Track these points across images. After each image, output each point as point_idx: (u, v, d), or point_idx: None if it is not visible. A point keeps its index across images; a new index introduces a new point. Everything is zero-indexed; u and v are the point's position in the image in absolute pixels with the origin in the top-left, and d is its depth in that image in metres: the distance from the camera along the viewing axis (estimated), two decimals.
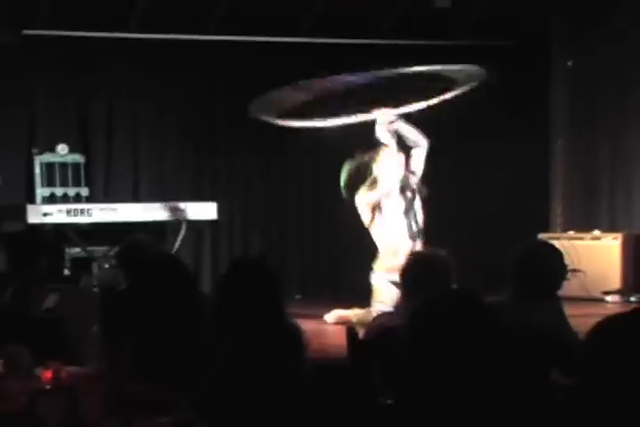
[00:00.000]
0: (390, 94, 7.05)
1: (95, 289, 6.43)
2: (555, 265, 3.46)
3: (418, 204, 7.16)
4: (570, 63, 9.09)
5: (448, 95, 7.05)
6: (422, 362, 2.00)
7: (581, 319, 3.76)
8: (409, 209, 7.10)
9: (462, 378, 1.96)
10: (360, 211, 6.99)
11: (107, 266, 7.54)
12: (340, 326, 6.05)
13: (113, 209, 7.72)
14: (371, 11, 8.59)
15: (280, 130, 8.82)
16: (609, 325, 1.79)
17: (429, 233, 8.91)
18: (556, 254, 3.51)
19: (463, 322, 1.99)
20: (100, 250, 7.80)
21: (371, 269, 6.97)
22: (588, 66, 8.99)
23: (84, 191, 8.50)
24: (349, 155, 7.12)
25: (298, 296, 8.52)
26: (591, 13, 8.84)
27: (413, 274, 3.48)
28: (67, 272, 7.29)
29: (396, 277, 3.69)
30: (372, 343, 3.27)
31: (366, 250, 7.16)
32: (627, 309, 1.91)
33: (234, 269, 3.11)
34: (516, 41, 9.06)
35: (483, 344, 1.98)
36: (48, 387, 2.75)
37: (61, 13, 8.19)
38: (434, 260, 3.56)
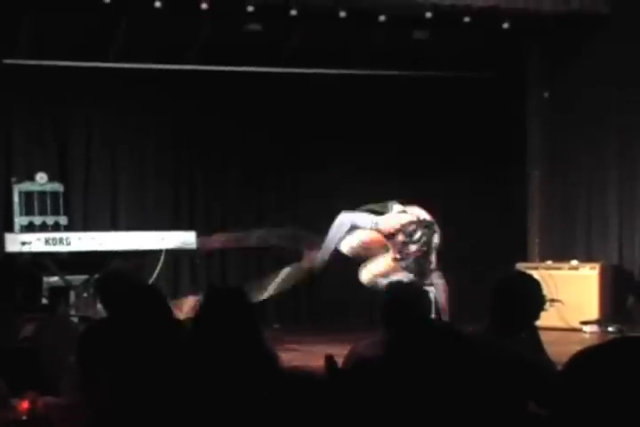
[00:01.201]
0: None
1: (72, 318, 6.39)
2: (533, 296, 3.48)
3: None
4: (546, 94, 9.17)
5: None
6: (399, 393, 2.00)
7: (559, 349, 3.78)
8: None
9: (440, 409, 1.97)
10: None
11: (85, 295, 7.51)
12: (319, 354, 6.03)
13: (91, 238, 7.70)
14: (350, 41, 8.65)
15: (259, 162, 8.87)
16: (586, 356, 1.80)
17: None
18: (535, 285, 3.52)
19: (440, 353, 2.00)
20: (78, 279, 7.77)
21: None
22: (563, 97, 9.07)
23: (63, 220, 8.47)
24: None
25: (276, 325, 8.50)
26: (567, 46, 8.93)
27: (392, 304, 3.49)
28: (44, 301, 7.26)
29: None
30: (351, 373, 3.27)
31: (344, 279, 7.18)
32: (605, 339, 1.93)
33: (210, 298, 3.13)
34: (493, 72, 9.14)
35: (460, 375, 1.98)
36: (24, 417, 2.73)
37: (41, 43, 8.21)
38: (412, 291, 3.57)
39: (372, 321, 6.92)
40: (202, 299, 3.24)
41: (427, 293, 3.59)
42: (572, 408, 1.74)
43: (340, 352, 3.56)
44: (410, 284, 3.73)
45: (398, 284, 3.67)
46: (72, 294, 7.78)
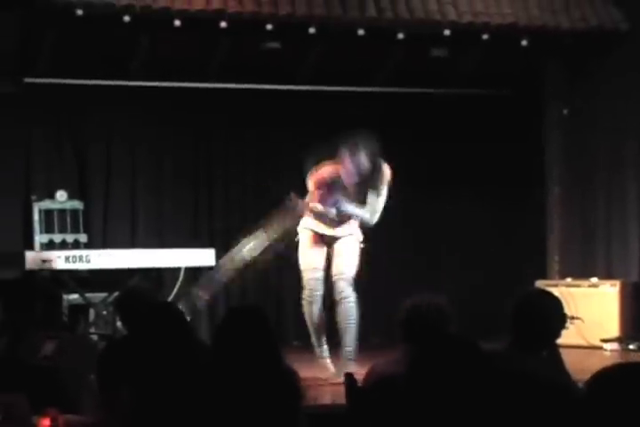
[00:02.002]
0: None
1: (92, 336, 6.41)
2: (554, 314, 3.46)
3: None
4: (565, 111, 9.16)
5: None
6: (421, 411, 2.00)
7: (580, 367, 3.76)
8: None
9: (461, 426, 1.96)
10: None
11: (104, 313, 7.52)
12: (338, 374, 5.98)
13: (111, 255, 7.73)
14: (368, 59, 8.67)
15: (278, 175, 8.88)
16: (609, 375, 1.79)
17: (425, 279, 8.95)
18: (556, 303, 3.51)
19: (462, 371, 1.99)
20: (97, 296, 7.79)
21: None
22: (583, 114, 9.06)
23: (83, 238, 8.50)
24: None
25: (295, 343, 8.49)
26: (585, 62, 8.93)
27: (412, 321, 3.48)
28: (64, 319, 7.28)
29: None
30: (372, 392, 3.26)
31: (364, 296, 7.16)
32: (626, 357, 1.91)
33: (230, 317, 3.14)
34: (512, 90, 9.15)
35: (481, 393, 1.98)
36: None
37: (61, 61, 8.27)
38: (433, 307, 3.55)
39: (390, 338, 6.91)
40: (222, 318, 3.25)
41: (449, 308, 3.56)
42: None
43: (359, 370, 3.55)
44: (430, 299, 3.69)
45: (419, 299, 3.63)
46: (91, 312, 7.80)
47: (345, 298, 6.41)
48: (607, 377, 1.75)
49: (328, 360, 6.48)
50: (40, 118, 8.61)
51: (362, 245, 6.59)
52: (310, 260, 6.55)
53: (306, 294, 6.54)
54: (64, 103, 8.57)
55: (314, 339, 6.52)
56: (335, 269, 6.50)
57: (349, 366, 6.01)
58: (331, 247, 6.61)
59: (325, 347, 6.53)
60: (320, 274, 6.52)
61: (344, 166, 6.43)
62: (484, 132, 9.24)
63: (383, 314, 7.08)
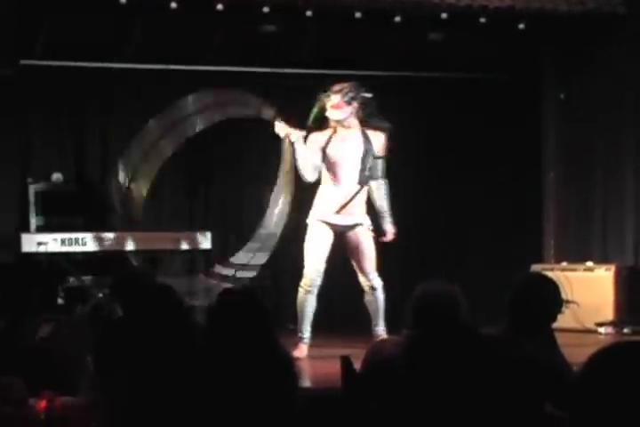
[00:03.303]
0: None
1: (89, 318, 6.41)
2: (551, 298, 3.48)
3: None
4: (562, 96, 9.15)
5: None
6: (416, 392, 2.00)
7: (574, 351, 3.77)
8: None
9: (457, 410, 1.97)
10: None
11: (101, 295, 7.53)
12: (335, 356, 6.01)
13: (107, 238, 7.73)
14: (365, 42, 8.65)
15: (275, 157, 8.87)
16: (604, 356, 1.80)
17: (422, 265, 8.96)
18: (553, 287, 3.52)
19: (458, 353, 2.00)
20: (93, 279, 7.80)
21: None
22: (580, 98, 9.05)
23: (79, 220, 8.49)
24: None
25: (291, 326, 8.50)
26: (583, 46, 8.91)
27: (422, 308, 3.47)
28: (60, 302, 7.30)
29: None
30: (367, 374, 3.27)
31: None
32: (620, 340, 1.92)
33: (221, 300, 3.14)
34: (509, 74, 9.12)
35: (477, 375, 1.98)
36: (42, 417, 2.75)
37: (57, 44, 8.24)
38: (444, 294, 3.54)
39: (389, 323, 6.93)
40: (215, 300, 3.25)
41: (459, 296, 3.54)
42: (589, 409, 1.74)
43: (356, 353, 3.55)
44: (441, 286, 3.67)
45: (430, 286, 3.61)
46: (88, 295, 7.81)
47: (374, 289, 6.82)
48: (603, 359, 1.75)
49: (306, 346, 6.82)
50: (36, 101, 8.58)
51: (372, 233, 6.84)
52: (316, 251, 6.75)
53: (305, 283, 6.76)
54: (60, 85, 8.54)
55: (300, 324, 6.82)
56: (359, 266, 6.81)
57: None
58: (343, 237, 6.80)
59: (308, 333, 6.83)
60: (322, 266, 6.75)
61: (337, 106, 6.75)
62: (480, 116, 9.23)
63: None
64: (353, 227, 6.79)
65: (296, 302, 6.78)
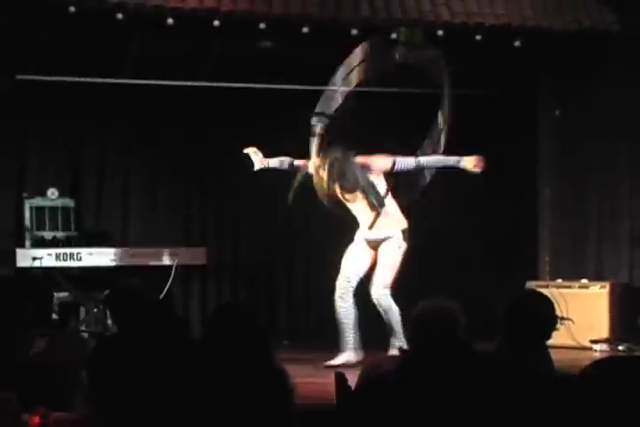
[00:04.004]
0: None
1: (83, 334, 6.41)
2: (546, 315, 3.48)
3: None
4: (557, 113, 9.18)
5: None
6: (409, 408, 2.00)
7: (569, 368, 3.77)
8: None
9: (451, 424, 1.97)
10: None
11: (95, 311, 7.53)
12: (329, 372, 6.00)
13: (102, 253, 7.73)
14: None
15: (272, 174, 8.87)
16: (597, 370, 1.80)
17: (415, 281, 8.95)
18: (548, 304, 3.53)
19: (452, 369, 2.00)
20: (88, 294, 7.79)
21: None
22: (575, 115, 9.08)
23: (74, 235, 8.49)
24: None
25: (285, 342, 8.49)
26: (578, 64, 8.95)
27: (420, 323, 3.47)
28: (55, 317, 7.28)
29: None
30: (361, 390, 3.27)
31: (356, 294, 7.17)
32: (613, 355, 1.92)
33: (218, 315, 3.14)
34: (504, 91, 9.15)
35: (471, 392, 1.98)
36: None
37: (54, 59, 8.26)
38: (442, 311, 3.53)
39: (386, 338, 6.93)
40: (209, 315, 3.25)
41: (459, 313, 3.54)
42: (584, 422, 1.74)
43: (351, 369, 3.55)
44: (441, 303, 3.66)
45: (430, 302, 3.61)
46: (82, 310, 7.80)
47: (378, 305, 7.04)
48: (601, 367, 1.76)
49: (351, 352, 7.00)
50: (32, 116, 8.59)
51: (403, 246, 7.08)
52: (346, 260, 7.11)
53: (336, 292, 7.07)
54: (56, 101, 8.56)
55: (341, 334, 7.04)
56: (372, 278, 7.06)
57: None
58: (376, 250, 7.14)
59: (351, 340, 7.05)
60: (352, 274, 7.06)
61: None
62: (475, 132, 9.24)
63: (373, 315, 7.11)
64: (384, 240, 7.09)
65: (288, 319, 6.92)
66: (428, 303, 3.64)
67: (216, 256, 8.80)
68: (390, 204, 7.13)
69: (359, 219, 7.17)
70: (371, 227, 7.08)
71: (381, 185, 7.13)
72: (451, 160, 7.21)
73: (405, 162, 7.15)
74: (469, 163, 7.19)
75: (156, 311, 3.50)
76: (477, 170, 7.16)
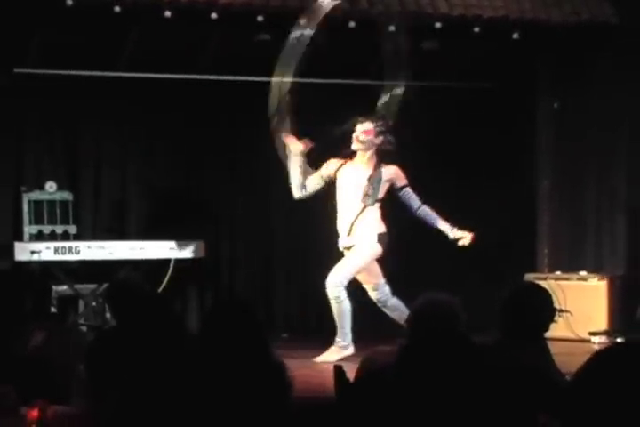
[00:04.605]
0: None
1: (81, 327, 6.41)
2: (544, 307, 3.48)
3: None
4: (556, 105, 9.17)
5: None
6: (408, 400, 2.00)
7: (568, 360, 3.77)
8: None
9: (450, 418, 1.96)
10: None
11: (94, 304, 7.53)
12: (328, 365, 6.03)
13: (100, 247, 7.72)
14: (359, 51, 8.65)
15: (272, 169, 8.87)
16: (597, 364, 1.80)
17: (413, 273, 8.95)
18: (546, 297, 3.53)
19: (449, 363, 2.00)
20: (86, 288, 7.79)
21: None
22: (574, 108, 9.07)
23: (72, 229, 8.49)
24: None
25: (284, 335, 8.49)
26: (577, 56, 8.94)
27: (419, 317, 3.47)
28: (54, 310, 7.29)
29: None
30: (362, 383, 3.27)
31: (355, 286, 7.17)
32: (613, 344, 1.91)
33: (215, 310, 3.14)
34: (502, 83, 9.14)
35: (469, 385, 1.98)
36: (34, 426, 2.74)
37: (52, 52, 8.24)
38: (442, 305, 3.53)
39: (384, 330, 6.93)
40: (207, 311, 3.25)
41: (459, 308, 3.54)
42: (583, 417, 1.74)
43: (349, 362, 3.55)
44: (441, 298, 3.66)
45: (430, 297, 3.61)
46: (81, 303, 7.80)
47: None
48: (596, 367, 1.75)
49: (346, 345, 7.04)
50: (30, 109, 8.58)
51: (376, 248, 7.17)
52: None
53: (330, 294, 7.05)
54: (54, 94, 8.54)
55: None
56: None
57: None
58: None
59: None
60: (345, 282, 7.05)
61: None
62: (474, 125, 9.24)
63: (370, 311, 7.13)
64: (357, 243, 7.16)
65: (289, 313, 6.91)
66: (428, 297, 3.65)
67: (214, 250, 8.79)
68: (373, 211, 7.16)
69: (339, 223, 7.20)
70: (349, 233, 7.14)
71: (382, 191, 7.18)
72: (445, 227, 7.28)
73: (411, 198, 7.25)
74: (460, 237, 7.26)
75: (155, 305, 3.50)
76: (464, 243, 7.25)
